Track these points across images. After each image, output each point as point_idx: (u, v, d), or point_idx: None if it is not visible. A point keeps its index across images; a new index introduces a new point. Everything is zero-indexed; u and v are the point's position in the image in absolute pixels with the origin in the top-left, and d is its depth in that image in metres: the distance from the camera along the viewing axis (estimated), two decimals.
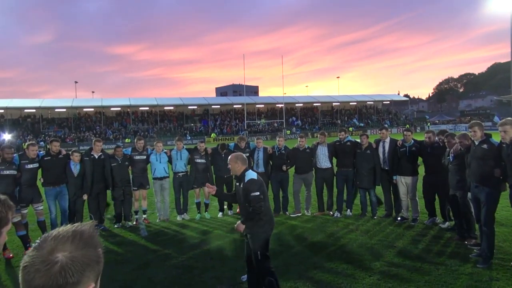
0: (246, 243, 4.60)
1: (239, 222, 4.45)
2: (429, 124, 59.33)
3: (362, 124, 61.54)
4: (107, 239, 7.38)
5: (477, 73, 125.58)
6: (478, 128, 5.51)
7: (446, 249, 6.02)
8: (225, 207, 9.09)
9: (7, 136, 43.67)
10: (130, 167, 8.42)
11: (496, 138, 5.59)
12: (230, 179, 8.82)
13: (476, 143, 5.51)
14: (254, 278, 4.55)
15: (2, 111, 51.01)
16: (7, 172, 6.61)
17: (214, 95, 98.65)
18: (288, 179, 8.83)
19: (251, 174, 4.44)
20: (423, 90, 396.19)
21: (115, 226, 8.21)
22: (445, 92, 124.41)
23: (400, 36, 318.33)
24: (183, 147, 8.90)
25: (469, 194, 5.91)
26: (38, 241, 1.03)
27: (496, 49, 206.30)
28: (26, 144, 7.38)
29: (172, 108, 59.76)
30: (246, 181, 4.37)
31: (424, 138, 7.61)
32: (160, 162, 8.53)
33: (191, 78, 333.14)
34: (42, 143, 40.89)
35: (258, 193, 4.26)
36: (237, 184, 4.62)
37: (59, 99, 59.49)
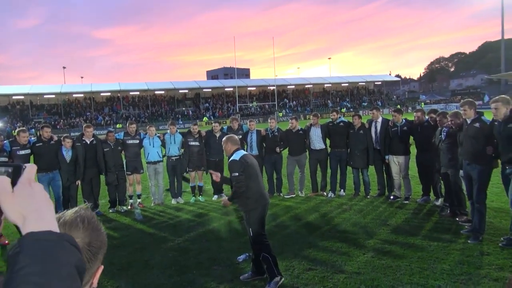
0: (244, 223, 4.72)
1: (225, 197, 4.70)
2: (422, 104, 59.27)
3: (351, 108, 61.62)
4: (102, 224, 7.28)
5: (468, 52, 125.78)
6: (469, 106, 5.55)
7: (438, 226, 6.14)
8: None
9: None
10: (123, 152, 8.37)
11: (488, 117, 5.63)
12: (221, 162, 8.83)
13: (468, 121, 5.55)
14: (255, 259, 4.61)
15: None
16: None
17: (205, 78, 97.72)
18: (281, 161, 8.86)
19: (236, 155, 4.56)
20: (415, 70, 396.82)
21: (110, 211, 8.22)
22: (436, 71, 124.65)
23: (391, 16, 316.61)
24: (177, 130, 8.85)
25: (460, 172, 5.99)
26: None
27: (487, 27, 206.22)
28: (17, 130, 7.29)
29: (163, 92, 59.18)
30: (229, 161, 4.57)
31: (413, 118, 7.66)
32: (153, 146, 8.49)
33: (181, 61, 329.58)
34: (32, 130, 40.43)
35: (237, 174, 4.42)
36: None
37: (48, 85, 58.42)
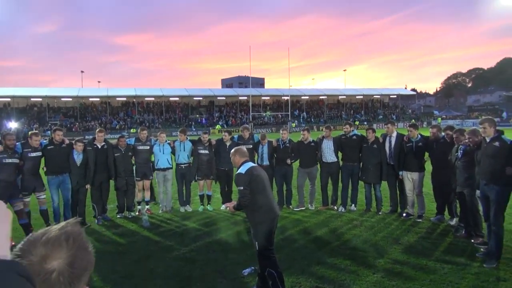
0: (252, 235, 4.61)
1: (233, 203, 4.62)
2: (439, 119, 58.00)
3: (365, 121, 61.07)
4: (109, 229, 7.36)
5: (486, 68, 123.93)
6: (489, 124, 5.34)
7: (452, 247, 5.91)
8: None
9: (13, 125, 43.89)
10: (133, 157, 8.36)
11: (509, 136, 5.42)
12: (231, 171, 8.75)
13: (488, 140, 5.35)
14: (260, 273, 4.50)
15: (9, 99, 51.17)
16: (9, 160, 6.58)
17: (219, 86, 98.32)
18: (292, 173, 8.72)
19: (242, 168, 4.51)
20: (431, 85, 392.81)
21: (118, 216, 8.19)
22: (453, 86, 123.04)
23: (408, 29, 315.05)
24: (187, 138, 8.81)
25: (477, 192, 5.78)
26: (23, 244, 0.91)
27: (506, 43, 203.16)
28: (30, 133, 7.34)
29: (177, 99, 59.66)
30: (236, 174, 4.53)
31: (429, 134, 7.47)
32: (163, 153, 8.47)
33: (196, 69, 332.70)
34: (48, 132, 41.11)
35: (241, 188, 4.38)
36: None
37: (65, 88, 59.55)
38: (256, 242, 4.33)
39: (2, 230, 0.63)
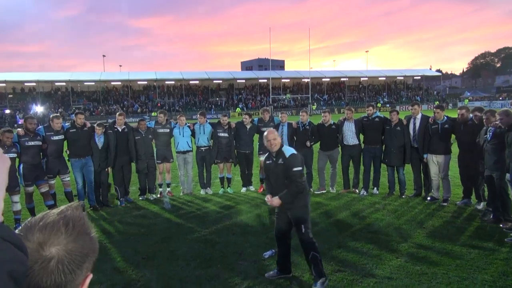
0: (276, 219, 4.47)
1: (274, 197, 4.23)
2: (466, 100, 55.89)
3: (387, 103, 59.72)
4: (131, 211, 7.48)
5: None
6: None
7: (479, 232, 5.72)
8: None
9: (39, 109, 45.08)
10: (153, 140, 8.41)
11: None
12: (251, 154, 8.71)
13: None
14: (284, 255, 4.45)
15: (34, 84, 52.47)
16: (32, 143, 6.72)
17: (239, 69, 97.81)
18: (312, 155, 8.59)
19: (290, 149, 4.31)
20: (457, 65, 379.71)
21: (140, 198, 8.32)
22: (481, 67, 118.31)
23: (431, 8, 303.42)
24: (206, 121, 8.78)
25: (507, 175, 5.54)
26: (20, 230, 0.85)
27: None
28: (51, 116, 7.47)
29: (197, 82, 59.77)
30: (288, 156, 4.20)
31: (456, 115, 7.17)
32: (183, 136, 8.48)
33: (216, 52, 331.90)
34: (72, 115, 42.07)
35: (300, 168, 4.15)
36: (268, 161, 4.43)
37: (88, 72, 60.61)
38: (303, 226, 4.19)
39: None
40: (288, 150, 4.28)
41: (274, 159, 4.34)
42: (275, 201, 4.22)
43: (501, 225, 5.83)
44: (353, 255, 4.99)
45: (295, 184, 4.11)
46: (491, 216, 6.12)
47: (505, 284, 4.09)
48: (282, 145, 4.37)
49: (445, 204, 7.15)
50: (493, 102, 53.09)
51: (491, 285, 4.07)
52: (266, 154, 4.55)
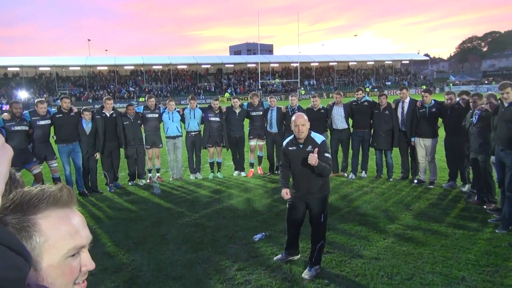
0: (291, 208, 4.35)
1: (314, 155, 3.81)
2: (451, 85, 56.90)
3: (375, 88, 59.97)
4: (121, 197, 7.46)
5: (503, 31, 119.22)
6: (511, 88, 5.13)
7: (464, 213, 5.87)
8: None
9: (23, 94, 44.12)
10: (142, 126, 8.34)
11: None
12: (242, 139, 8.72)
13: (506, 104, 5.16)
14: (293, 240, 4.48)
15: (18, 69, 51.24)
16: (18, 128, 6.62)
17: (228, 54, 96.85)
18: None
19: (320, 136, 4.18)
20: (445, 49, 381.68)
21: (129, 184, 8.28)
22: (468, 51, 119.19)
23: None
24: (197, 105, 8.72)
25: (492, 158, 5.66)
26: None
27: None
28: (35, 101, 7.33)
29: (185, 67, 59.06)
30: (320, 142, 4.03)
31: (444, 99, 7.26)
32: (172, 121, 8.42)
33: (204, 36, 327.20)
34: (58, 101, 41.29)
35: (329, 155, 4.06)
36: (292, 147, 4.17)
37: (73, 57, 59.33)
38: (322, 215, 4.17)
39: None
40: (319, 137, 4.10)
41: (302, 146, 4.09)
42: (314, 159, 3.77)
43: (485, 207, 5.98)
44: (341, 237, 5.08)
45: (328, 168, 3.97)
46: (476, 198, 6.27)
47: (488, 263, 4.22)
48: (310, 132, 4.13)
49: (431, 186, 7.29)
50: (479, 86, 53.73)
51: (474, 264, 4.20)
52: (288, 139, 4.29)
